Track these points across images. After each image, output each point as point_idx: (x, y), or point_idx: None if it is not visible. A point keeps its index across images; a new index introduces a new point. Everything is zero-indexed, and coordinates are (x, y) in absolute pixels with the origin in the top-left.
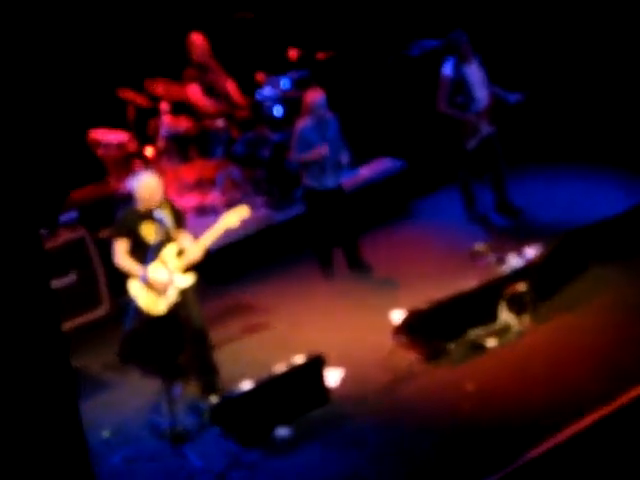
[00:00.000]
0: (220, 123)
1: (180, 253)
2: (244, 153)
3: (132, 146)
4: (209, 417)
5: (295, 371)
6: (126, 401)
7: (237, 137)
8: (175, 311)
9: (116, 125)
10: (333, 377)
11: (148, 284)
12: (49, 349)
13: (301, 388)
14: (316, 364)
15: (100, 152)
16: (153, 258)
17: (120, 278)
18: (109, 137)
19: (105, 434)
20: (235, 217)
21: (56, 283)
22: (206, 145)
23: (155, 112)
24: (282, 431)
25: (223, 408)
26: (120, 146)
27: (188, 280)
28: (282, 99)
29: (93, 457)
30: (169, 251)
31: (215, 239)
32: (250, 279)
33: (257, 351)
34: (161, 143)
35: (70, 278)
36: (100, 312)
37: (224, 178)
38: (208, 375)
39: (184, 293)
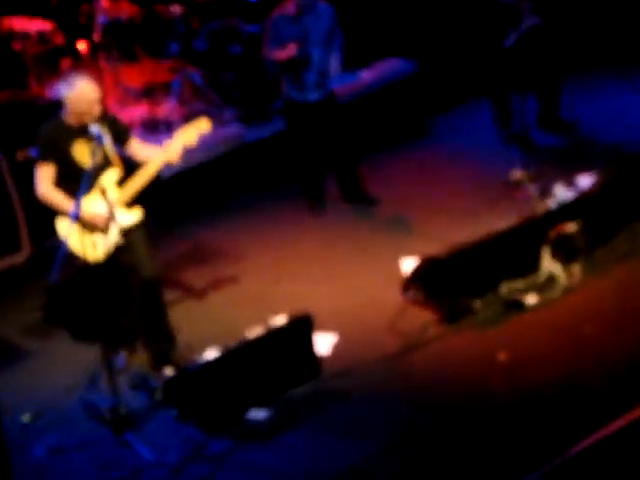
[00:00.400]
0: (176, 9)
1: (123, 181)
2: (208, 49)
3: (59, 39)
4: (162, 395)
5: (275, 335)
6: (52, 375)
7: (198, 28)
8: (118, 257)
9: (38, 12)
10: (324, 343)
11: (82, 222)
12: None
13: (283, 358)
14: (302, 326)
15: (17, 46)
16: (88, 188)
17: (45, 214)
18: (28, 27)
19: (25, 418)
20: (193, 133)
21: None
22: (157, 39)
23: None
24: (257, 413)
25: (180, 384)
26: (43, 38)
27: (134, 216)
28: None
29: (10, 447)
30: (109, 178)
31: (168, 161)
32: (217, 216)
33: (226, 310)
34: (97, 35)
35: None
36: (18, 258)
37: (181, 83)
38: (160, 341)
39: (129, 234)
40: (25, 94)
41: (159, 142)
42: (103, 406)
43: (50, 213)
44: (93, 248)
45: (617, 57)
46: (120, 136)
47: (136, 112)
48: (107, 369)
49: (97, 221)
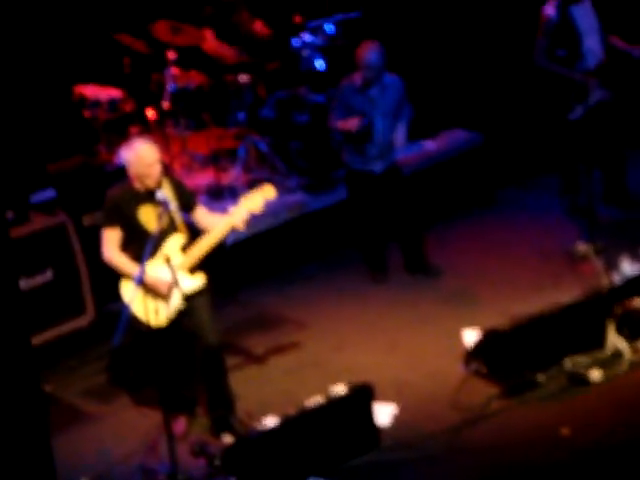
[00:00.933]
0: (243, 78)
1: (187, 246)
2: (274, 118)
3: (128, 106)
4: (221, 463)
5: (335, 405)
6: (112, 439)
7: (265, 97)
8: (180, 322)
9: (109, 80)
10: (384, 414)
11: (145, 286)
12: (15, 368)
13: (342, 427)
14: (362, 396)
15: (87, 114)
16: (153, 252)
17: (109, 278)
18: (99, 94)
19: None
20: (259, 200)
21: (26, 283)
22: (224, 107)
23: (159, 63)
24: None
25: (240, 451)
26: (113, 106)
27: (197, 282)
28: (326, 49)
29: None
30: (174, 244)
31: (233, 228)
32: (279, 284)
33: (286, 377)
34: (166, 103)
35: (45, 277)
36: (82, 322)
37: (247, 150)
38: (221, 407)
39: (192, 299)
40: (94, 160)
41: (224, 209)
42: (162, 473)
43: (114, 277)
44: (156, 313)
45: None
46: (186, 202)
47: (201, 179)
48: (167, 435)
49: (160, 286)
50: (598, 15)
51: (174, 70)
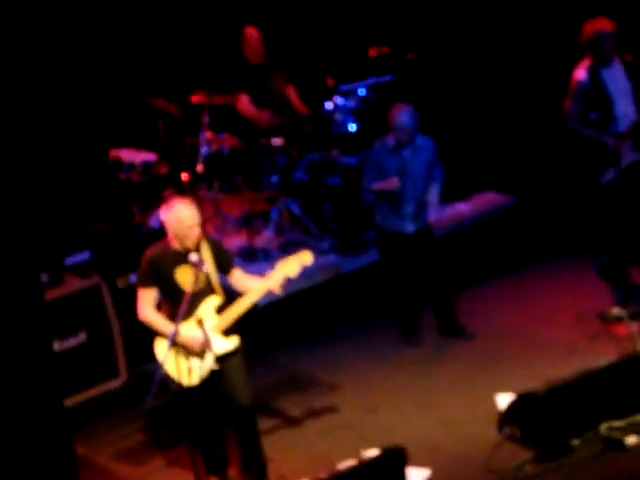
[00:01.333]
0: (277, 142)
1: (223, 308)
2: (307, 181)
3: (163, 169)
4: None
5: (367, 468)
6: None
7: (298, 160)
8: (213, 384)
9: (144, 144)
10: (417, 478)
11: (179, 346)
12: (48, 430)
13: None
14: (395, 459)
15: (122, 176)
16: (188, 313)
17: (142, 341)
18: (134, 158)
19: None
20: (295, 265)
21: (60, 345)
22: (258, 170)
23: (193, 127)
24: None
25: None
26: (147, 169)
27: (231, 344)
28: (358, 112)
29: None
30: (209, 305)
31: (269, 291)
32: (312, 345)
33: (318, 441)
34: (200, 166)
35: (78, 339)
36: (115, 384)
37: (280, 213)
38: (253, 470)
39: (225, 360)
40: (128, 222)
41: (257, 271)
42: None
43: (147, 339)
44: (188, 373)
45: None
46: (223, 264)
47: (234, 241)
48: None
49: (193, 346)
50: (631, 77)
51: (208, 134)
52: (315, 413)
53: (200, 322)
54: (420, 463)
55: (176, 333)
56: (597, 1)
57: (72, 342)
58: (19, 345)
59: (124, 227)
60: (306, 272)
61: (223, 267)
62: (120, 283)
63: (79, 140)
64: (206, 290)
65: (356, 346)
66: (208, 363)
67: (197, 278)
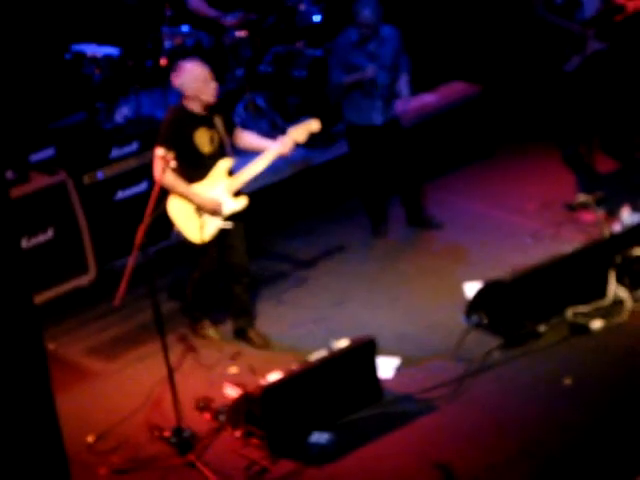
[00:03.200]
0: (241, 34)
1: (231, 171)
2: (272, 73)
3: (127, 62)
4: (226, 418)
5: (338, 359)
6: (117, 396)
7: (263, 52)
8: (219, 240)
9: (107, 39)
10: (387, 367)
11: (197, 204)
12: (17, 326)
13: (345, 381)
14: (365, 350)
15: (86, 72)
16: (202, 175)
17: (111, 237)
18: (97, 52)
19: (89, 439)
20: (304, 131)
21: (28, 242)
22: (222, 64)
23: (155, 21)
24: (320, 437)
25: (244, 406)
26: (111, 63)
27: (240, 204)
28: (321, 2)
29: (74, 467)
30: (221, 167)
31: (281, 154)
32: (281, 237)
33: (289, 334)
34: (163, 60)
35: (46, 235)
36: (83, 280)
37: (245, 106)
38: (242, 318)
39: (232, 220)
40: (93, 118)
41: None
42: (167, 428)
43: (115, 236)
44: (201, 230)
45: None
46: (228, 126)
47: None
48: (171, 390)
49: (210, 205)
50: None
51: (169, 29)
52: (284, 306)
53: (216, 180)
54: (390, 352)
55: (198, 191)
56: None
57: (40, 239)
58: None
59: (88, 123)
60: (275, 166)
61: (229, 128)
62: (86, 179)
63: (40, 35)
64: (218, 153)
65: (325, 238)
66: (219, 220)
67: (212, 140)
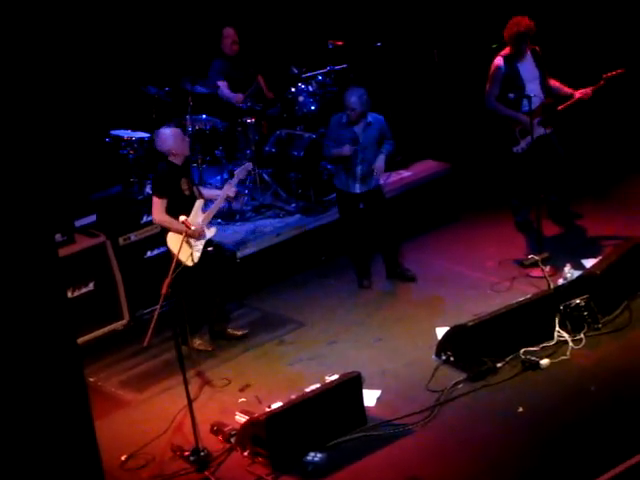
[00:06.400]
0: (250, 121)
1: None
2: (275, 153)
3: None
4: (235, 440)
5: (330, 390)
6: (145, 421)
7: (268, 136)
8: (204, 262)
9: (139, 125)
10: (371, 397)
11: (187, 235)
12: (63, 364)
13: (336, 409)
14: (353, 383)
15: (122, 152)
16: (188, 211)
17: (141, 289)
18: (131, 137)
19: (122, 457)
20: (237, 177)
21: (73, 293)
22: (234, 144)
23: (181, 110)
24: (315, 456)
25: (251, 430)
26: (142, 145)
27: (213, 231)
28: (317, 95)
29: None
30: (198, 206)
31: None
32: (282, 290)
33: (288, 369)
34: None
35: (88, 288)
36: (118, 325)
37: (253, 180)
38: (221, 323)
39: (210, 245)
40: (127, 190)
41: (234, 230)
42: (188, 449)
43: (144, 288)
44: (191, 257)
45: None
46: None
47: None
48: (191, 417)
49: (197, 233)
50: (538, 65)
51: (192, 116)
52: (285, 346)
53: (195, 215)
54: (373, 385)
55: (188, 223)
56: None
57: (82, 290)
58: (39, 293)
59: (124, 194)
60: (277, 230)
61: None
62: (121, 241)
63: (86, 123)
64: (194, 195)
65: (319, 290)
66: (201, 246)
67: (190, 185)
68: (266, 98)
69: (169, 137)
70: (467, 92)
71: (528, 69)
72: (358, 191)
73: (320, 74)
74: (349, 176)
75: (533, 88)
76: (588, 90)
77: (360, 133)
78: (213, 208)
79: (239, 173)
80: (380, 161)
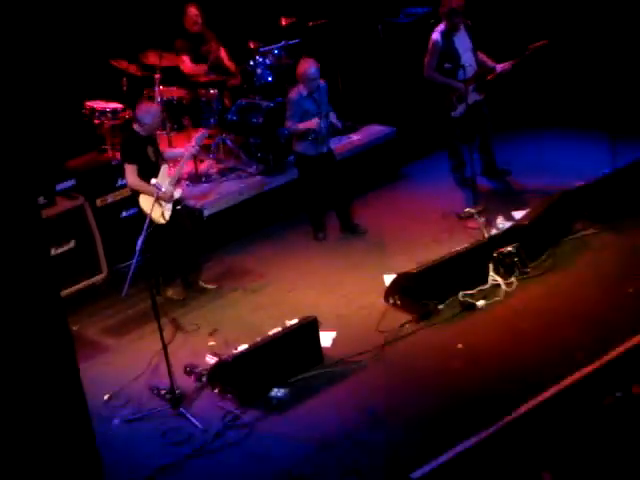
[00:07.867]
0: (213, 92)
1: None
2: (237, 121)
3: (127, 115)
4: (207, 379)
5: (290, 333)
6: (125, 364)
7: (229, 105)
8: (173, 220)
9: (111, 96)
10: (326, 338)
11: (159, 196)
12: (47, 313)
13: (295, 350)
14: (310, 326)
15: (96, 121)
16: (156, 175)
17: (118, 246)
18: (105, 107)
19: (105, 397)
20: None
21: (55, 251)
22: (199, 114)
23: (149, 82)
24: (278, 392)
25: (220, 370)
26: (115, 115)
27: (180, 192)
28: (274, 67)
29: (94, 419)
30: (164, 169)
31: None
32: (246, 244)
33: (252, 315)
34: None
35: (69, 246)
36: (98, 278)
37: (217, 146)
38: (193, 271)
39: (179, 203)
40: (102, 156)
41: (202, 191)
42: (163, 388)
43: (121, 244)
44: (162, 215)
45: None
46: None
47: (184, 168)
48: (166, 359)
49: (167, 195)
50: (471, 37)
51: (160, 87)
52: (249, 294)
53: (162, 178)
54: (328, 328)
55: (159, 186)
56: None
57: (64, 248)
58: (24, 251)
59: (99, 160)
60: (240, 190)
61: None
62: (99, 202)
63: (62, 95)
64: (159, 160)
65: (279, 243)
66: (171, 205)
67: (155, 152)
68: (227, 69)
69: (154, 115)
70: (410, 64)
71: (462, 41)
72: (325, 150)
73: (276, 48)
74: (317, 140)
75: (467, 58)
76: (507, 65)
77: (319, 99)
78: (178, 169)
79: (198, 139)
80: (334, 117)
